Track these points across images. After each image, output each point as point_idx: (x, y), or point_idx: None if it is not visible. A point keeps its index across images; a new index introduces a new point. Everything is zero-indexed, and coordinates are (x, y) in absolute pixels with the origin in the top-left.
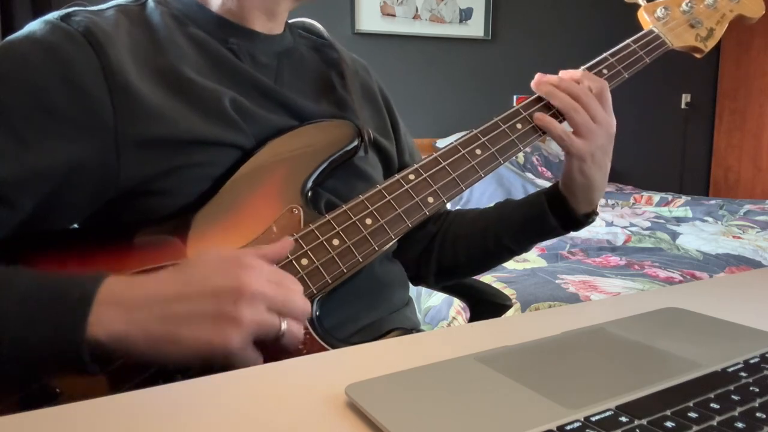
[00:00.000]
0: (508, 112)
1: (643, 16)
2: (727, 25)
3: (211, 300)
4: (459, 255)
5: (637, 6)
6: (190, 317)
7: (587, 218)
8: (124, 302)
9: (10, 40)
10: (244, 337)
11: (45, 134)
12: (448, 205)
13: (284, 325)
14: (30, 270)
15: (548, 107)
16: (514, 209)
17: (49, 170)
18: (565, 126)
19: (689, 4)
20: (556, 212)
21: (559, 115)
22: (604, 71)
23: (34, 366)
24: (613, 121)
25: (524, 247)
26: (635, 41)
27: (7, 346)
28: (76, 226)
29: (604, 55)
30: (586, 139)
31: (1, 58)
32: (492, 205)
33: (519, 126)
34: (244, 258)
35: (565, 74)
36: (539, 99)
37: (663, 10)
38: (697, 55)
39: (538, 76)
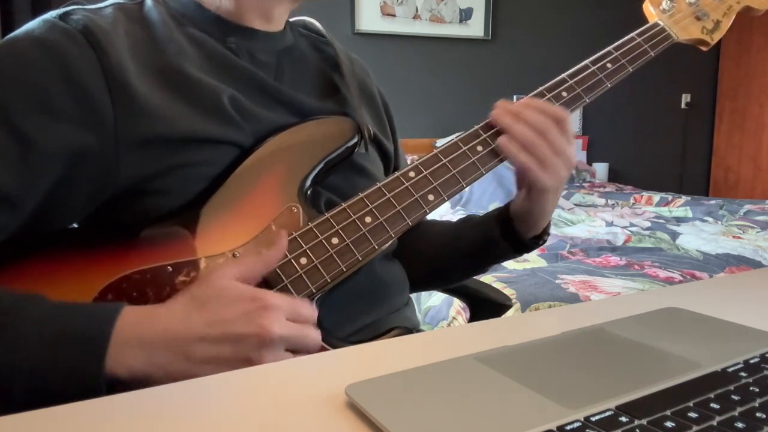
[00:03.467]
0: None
1: (648, 9)
2: (734, 17)
3: (234, 345)
4: (417, 270)
5: None
6: (211, 360)
7: (537, 240)
8: (143, 341)
9: (9, 39)
10: None
11: (46, 132)
12: (447, 206)
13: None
14: (40, 299)
15: None
16: (469, 229)
17: (50, 168)
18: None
19: None
20: (508, 237)
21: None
22: (608, 65)
23: (47, 395)
24: (574, 152)
25: (477, 271)
26: (640, 34)
27: (21, 381)
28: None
29: (608, 49)
30: (551, 173)
31: None
32: (457, 219)
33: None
34: (264, 298)
35: (527, 103)
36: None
37: (668, 2)
38: (703, 48)
39: (500, 103)
